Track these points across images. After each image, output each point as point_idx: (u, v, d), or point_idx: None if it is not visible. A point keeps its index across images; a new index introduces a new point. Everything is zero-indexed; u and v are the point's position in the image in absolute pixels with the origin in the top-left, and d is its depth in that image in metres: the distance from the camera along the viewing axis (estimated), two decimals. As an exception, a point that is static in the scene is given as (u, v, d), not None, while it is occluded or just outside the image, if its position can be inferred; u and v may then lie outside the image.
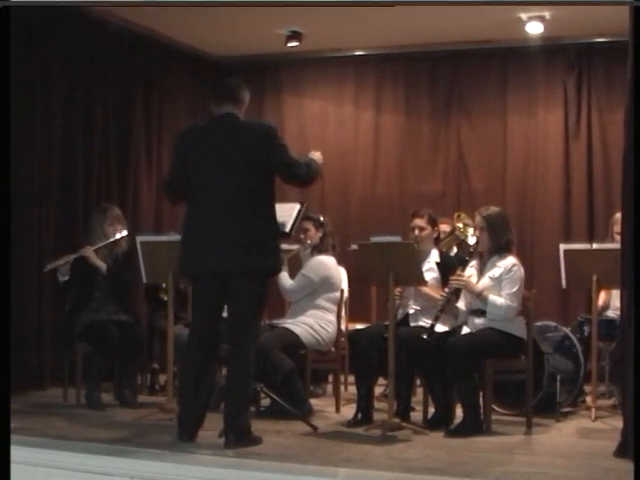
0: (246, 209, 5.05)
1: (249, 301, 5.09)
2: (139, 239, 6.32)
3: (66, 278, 6.79)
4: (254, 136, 5.11)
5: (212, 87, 5.35)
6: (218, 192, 5.07)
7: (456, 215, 7.37)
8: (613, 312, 6.77)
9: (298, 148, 5.56)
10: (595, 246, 6.47)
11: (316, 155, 5.40)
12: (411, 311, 6.13)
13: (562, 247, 6.51)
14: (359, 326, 6.96)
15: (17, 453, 4.51)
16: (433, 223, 6.28)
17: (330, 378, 7.36)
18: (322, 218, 6.70)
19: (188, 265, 5.23)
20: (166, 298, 6.38)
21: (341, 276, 6.77)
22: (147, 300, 7.65)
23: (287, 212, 5.95)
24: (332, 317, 6.53)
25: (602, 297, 6.81)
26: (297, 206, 5.96)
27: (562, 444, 5.43)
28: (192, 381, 5.16)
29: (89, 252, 6.77)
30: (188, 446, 4.98)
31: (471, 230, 7.03)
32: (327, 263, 6.58)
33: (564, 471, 4.58)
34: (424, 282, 5.80)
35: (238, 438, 5.00)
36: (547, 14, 7.97)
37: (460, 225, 7.24)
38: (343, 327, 6.95)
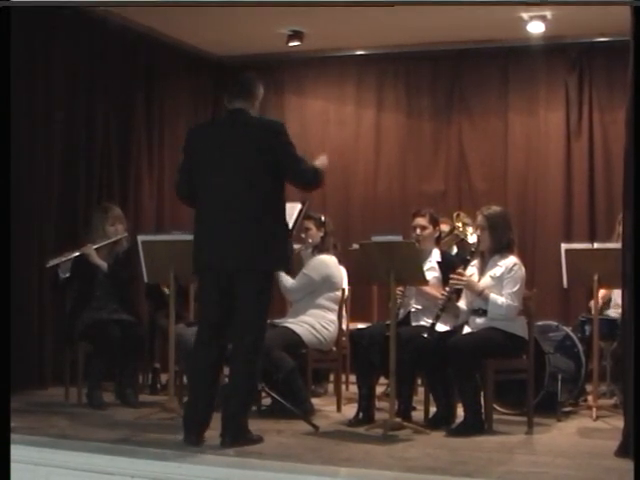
0: (254, 206, 5.02)
1: (253, 300, 5.06)
2: (140, 238, 6.31)
3: (67, 275, 6.81)
4: (263, 133, 5.09)
5: (228, 83, 5.29)
6: (226, 188, 5.04)
7: (455, 215, 7.38)
8: (614, 311, 6.78)
9: (299, 147, 5.53)
10: (596, 245, 6.47)
11: (321, 160, 5.31)
12: (412, 310, 6.13)
13: (563, 246, 6.52)
14: (360, 325, 6.96)
15: (19, 452, 4.51)
16: (434, 222, 6.27)
17: (331, 377, 7.35)
18: (323, 217, 6.71)
19: (197, 262, 5.19)
20: (168, 292, 6.37)
21: (342, 275, 6.78)
22: (148, 298, 7.64)
23: (288, 211, 5.94)
24: (333, 316, 6.53)
25: (602, 292, 6.81)
26: (298, 205, 5.96)
27: (563, 444, 5.43)
28: (199, 382, 5.12)
29: (90, 250, 6.78)
30: (189, 445, 4.98)
31: (470, 229, 7.04)
32: (328, 262, 6.59)
33: (565, 470, 4.58)
34: (425, 281, 5.79)
35: (234, 439, 4.99)
36: (548, 14, 7.97)
37: (459, 224, 7.25)
38: (344, 326, 6.95)
